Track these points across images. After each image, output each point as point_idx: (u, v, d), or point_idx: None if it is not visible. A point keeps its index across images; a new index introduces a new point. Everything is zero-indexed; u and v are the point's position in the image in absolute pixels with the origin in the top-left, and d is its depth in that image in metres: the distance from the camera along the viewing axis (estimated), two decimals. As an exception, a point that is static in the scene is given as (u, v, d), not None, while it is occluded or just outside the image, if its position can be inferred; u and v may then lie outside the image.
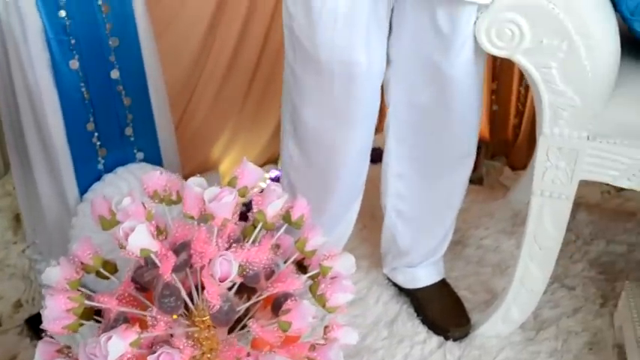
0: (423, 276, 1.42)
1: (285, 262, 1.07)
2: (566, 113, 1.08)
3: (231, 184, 1.03)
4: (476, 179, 1.89)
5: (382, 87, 1.23)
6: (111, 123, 1.43)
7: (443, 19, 1.06)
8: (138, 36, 1.41)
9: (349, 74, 1.11)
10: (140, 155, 1.50)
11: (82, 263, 0.99)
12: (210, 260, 0.92)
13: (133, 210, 0.94)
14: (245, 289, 1.02)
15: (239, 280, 0.96)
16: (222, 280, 0.90)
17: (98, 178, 1.44)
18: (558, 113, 1.09)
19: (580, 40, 1.03)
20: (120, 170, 1.45)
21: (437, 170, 1.28)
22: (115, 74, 1.40)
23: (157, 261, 0.92)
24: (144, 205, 0.97)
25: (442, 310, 1.40)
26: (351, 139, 1.20)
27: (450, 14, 1.05)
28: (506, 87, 1.87)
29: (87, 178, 1.42)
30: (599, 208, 1.76)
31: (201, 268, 0.93)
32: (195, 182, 0.99)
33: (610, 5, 1.11)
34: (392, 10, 1.11)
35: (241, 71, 1.77)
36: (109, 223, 0.99)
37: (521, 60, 1.06)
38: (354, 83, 1.13)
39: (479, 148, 1.93)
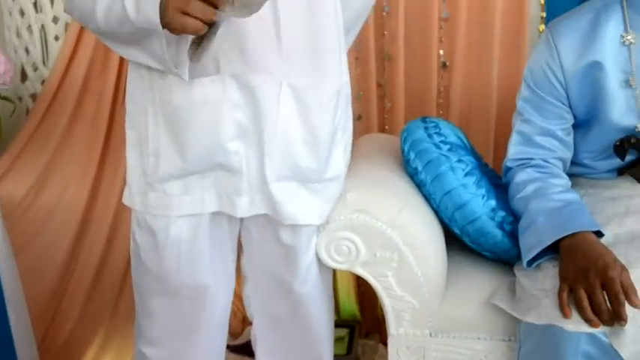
0: None
1: None
2: (407, 315, 1.18)
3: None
4: (353, 360, 1.93)
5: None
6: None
7: (286, 240, 1.15)
8: (-4, 258, 1.41)
9: (197, 297, 1.16)
10: (-3, 379, 1.43)
11: None
12: None
13: None
14: None
15: None
16: None
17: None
18: (401, 315, 1.18)
19: (409, 251, 1.15)
20: (-28, 402, 1.36)
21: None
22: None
23: None
24: None
25: None
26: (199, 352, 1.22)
27: (292, 236, 1.14)
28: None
29: None
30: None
31: None
32: None
33: (433, 214, 1.26)
34: (240, 231, 1.20)
35: (111, 276, 1.78)
36: None
37: (360, 271, 1.17)
38: (203, 304, 1.17)
39: (353, 328, 2.01)
